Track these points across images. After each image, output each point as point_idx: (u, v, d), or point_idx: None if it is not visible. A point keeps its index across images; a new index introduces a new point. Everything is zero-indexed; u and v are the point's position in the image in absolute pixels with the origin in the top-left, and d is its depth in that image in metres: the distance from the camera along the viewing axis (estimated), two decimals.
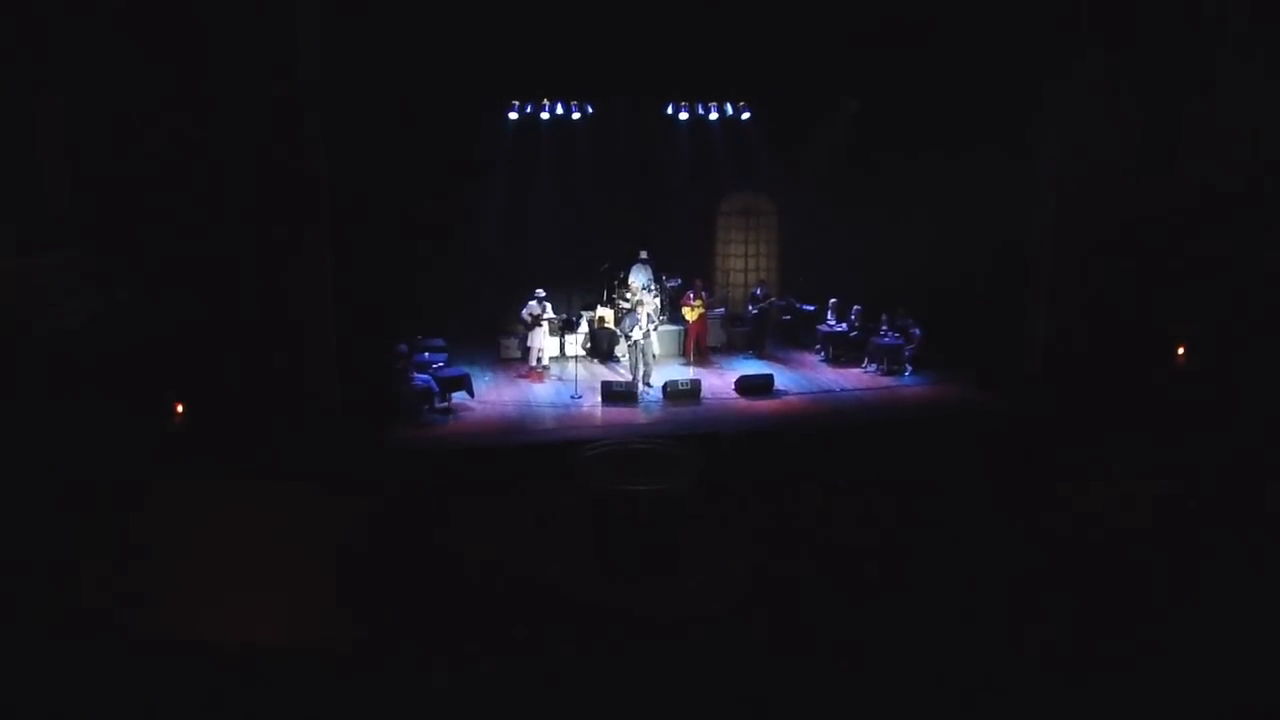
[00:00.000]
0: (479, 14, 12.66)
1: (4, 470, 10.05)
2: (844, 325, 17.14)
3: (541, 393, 15.30)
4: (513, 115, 16.68)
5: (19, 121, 11.63)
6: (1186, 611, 9.09)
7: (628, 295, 16.73)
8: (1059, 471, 12.23)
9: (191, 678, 7.95)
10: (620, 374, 16.00)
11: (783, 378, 15.87)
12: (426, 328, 15.87)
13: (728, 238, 19.28)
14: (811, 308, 18.01)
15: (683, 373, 15.94)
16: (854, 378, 16.26)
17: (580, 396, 14.88)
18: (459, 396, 14.40)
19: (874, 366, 16.45)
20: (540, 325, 16.01)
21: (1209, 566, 9.99)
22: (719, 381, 15.74)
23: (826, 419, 14.41)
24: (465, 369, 14.97)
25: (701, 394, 14.98)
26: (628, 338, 15.32)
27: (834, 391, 15.57)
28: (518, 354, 16.62)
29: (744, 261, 19.30)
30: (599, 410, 14.50)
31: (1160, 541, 10.52)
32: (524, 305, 15.93)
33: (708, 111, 17.35)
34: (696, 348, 16.96)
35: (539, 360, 16.17)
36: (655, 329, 15.93)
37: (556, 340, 16.78)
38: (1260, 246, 14.20)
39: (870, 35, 13.62)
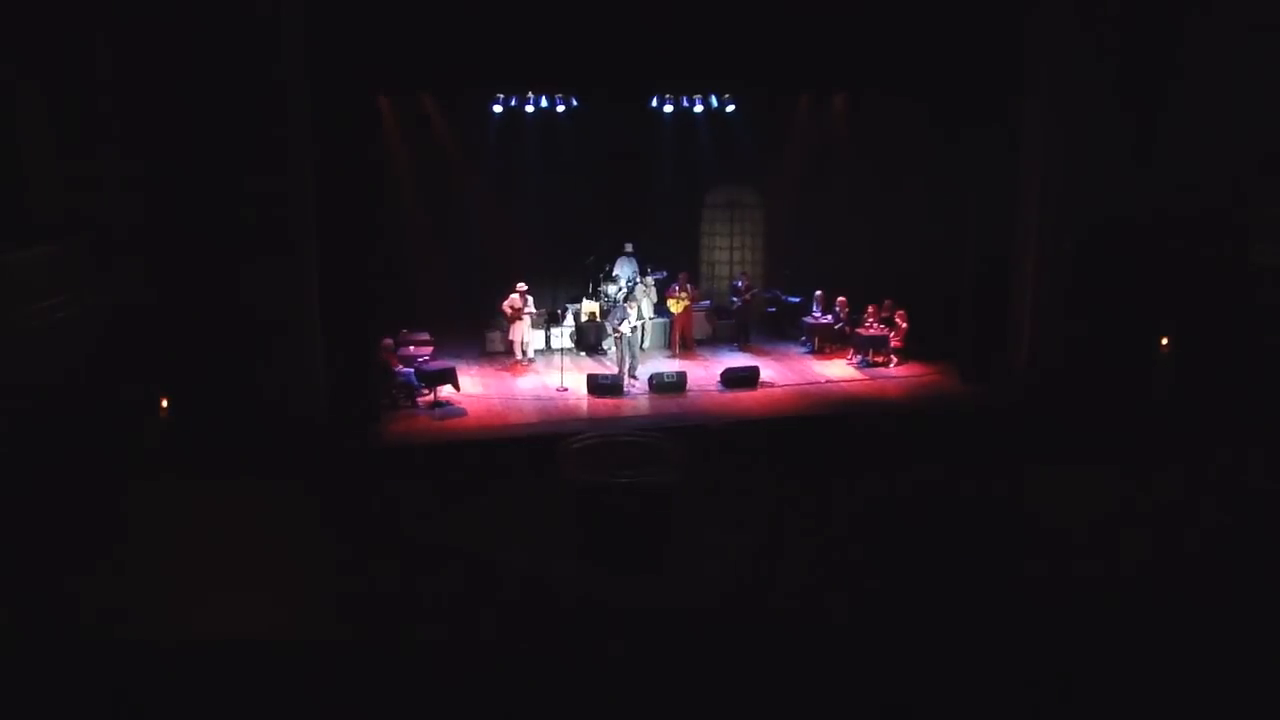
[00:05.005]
0: (463, 5, 12.64)
1: None
2: (829, 317, 17.19)
3: (526, 386, 15.30)
4: (497, 109, 16.65)
5: (2, 117, 11.57)
6: (1170, 605, 9.17)
7: (612, 289, 16.77)
8: (1042, 463, 12.30)
9: (181, 674, 7.95)
10: (606, 366, 16.01)
11: (768, 370, 15.90)
12: (412, 322, 15.86)
13: (713, 230, 19.28)
14: (797, 299, 18.05)
15: (668, 365, 15.97)
16: (839, 369, 16.31)
17: (566, 389, 14.90)
18: (444, 390, 14.37)
19: (859, 358, 16.49)
20: (522, 319, 15.99)
21: (1191, 558, 10.08)
22: (704, 374, 15.76)
23: (811, 410, 14.45)
24: (450, 362, 14.96)
25: (687, 386, 15.01)
26: (616, 331, 15.32)
27: (819, 383, 15.61)
28: (502, 347, 16.60)
29: (729, 254, 19.30)
30: (584, 403, 14.52)
31: (1141, 532, 10.62)
32: (505, 298, 15.92)
33: (692, 104, 17.36)
34: (682, 340, 17.02)
35: (524, 353, 16.17)
36: (645, 323, 15.97)
37: (542, 333, 16.78)
38: (1246, 238, 14.26)
39: (854, 23, 13.64)
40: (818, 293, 17.40)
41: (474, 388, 14.99)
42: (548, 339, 16.86)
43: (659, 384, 14.93)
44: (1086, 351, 14.60)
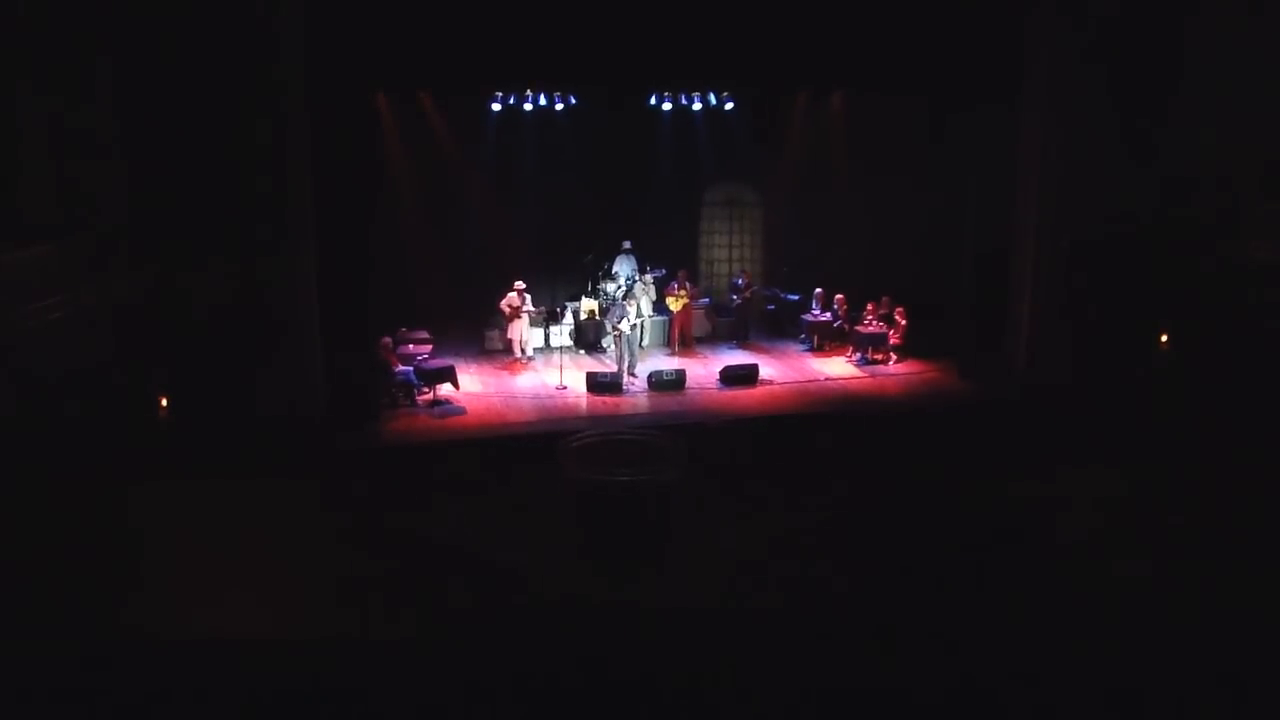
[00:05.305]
0: (461, 4, 12.63)
1: None
2: (828, 314, 17.18)
3: (526, 384, 15.29)
4: (495, 107, 16.64)
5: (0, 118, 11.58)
6: (1163, 605, 9.18)
7: (611, 287, 16.76)
8: (1040, 460, 12.30)
9: (181, 673, 7.95)
10: (606, 364, 16.01)
11: (767, 367, 15.89)
12: (411, 320, 15.85)
13: (711, 228, 19.25)
14: (796, 297, 18.05)
15: (668, 363, 15.95)
16: (838, 367, 16.30)
17: (565, 387, 14.90)
18: (443, 389, 14.36)
19: (858, 355, 16.49)
20: (520, 317, 15.97)
21: (1183, 559, 10.08)
22: (703, 371, 15.75)
23: (811, 408, 14.45)
24: (449, 361, 14.94)
25: (686, 384, 15.01)
26: (615, 329, 15.31)
27: (818, 381, 15.61)
28: (501, 346, 16.58)
29: (728, 252, 19.29)
30: (584, 401, 14.52)
31: (1139, 531, 10.63)
32: (503, 296, 15.91)
33: (691, 102, 17.34)
34: (681, 338, 17.02)
35: (522, 351, 16.16)
36: (644, 321, 15.96)
37: (541, 331, 16.77)
38: (1245, 236, 14.27)
39: (851, 21, 13.64)
40: (817, 290, 17.38)
41: (473, 386, 14.97)
42: (547, 337, 16.85)
43: (658, 382, 14.92)
44: (1085, 349, 14.61)
